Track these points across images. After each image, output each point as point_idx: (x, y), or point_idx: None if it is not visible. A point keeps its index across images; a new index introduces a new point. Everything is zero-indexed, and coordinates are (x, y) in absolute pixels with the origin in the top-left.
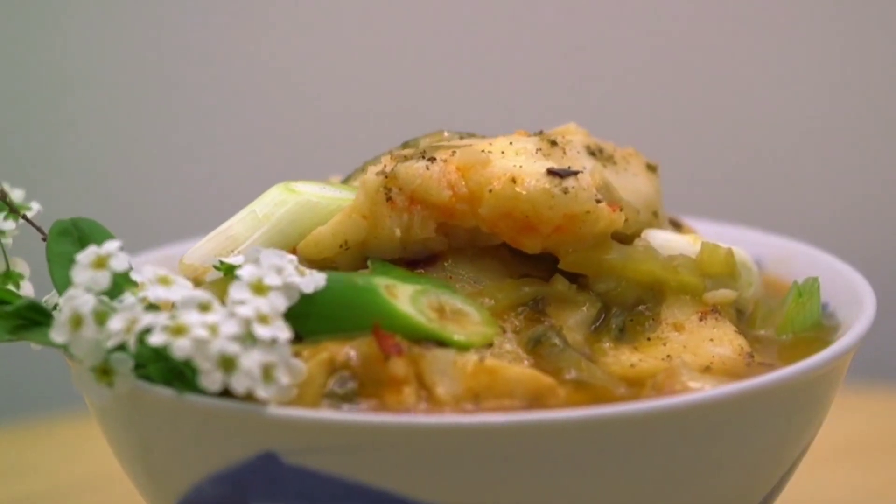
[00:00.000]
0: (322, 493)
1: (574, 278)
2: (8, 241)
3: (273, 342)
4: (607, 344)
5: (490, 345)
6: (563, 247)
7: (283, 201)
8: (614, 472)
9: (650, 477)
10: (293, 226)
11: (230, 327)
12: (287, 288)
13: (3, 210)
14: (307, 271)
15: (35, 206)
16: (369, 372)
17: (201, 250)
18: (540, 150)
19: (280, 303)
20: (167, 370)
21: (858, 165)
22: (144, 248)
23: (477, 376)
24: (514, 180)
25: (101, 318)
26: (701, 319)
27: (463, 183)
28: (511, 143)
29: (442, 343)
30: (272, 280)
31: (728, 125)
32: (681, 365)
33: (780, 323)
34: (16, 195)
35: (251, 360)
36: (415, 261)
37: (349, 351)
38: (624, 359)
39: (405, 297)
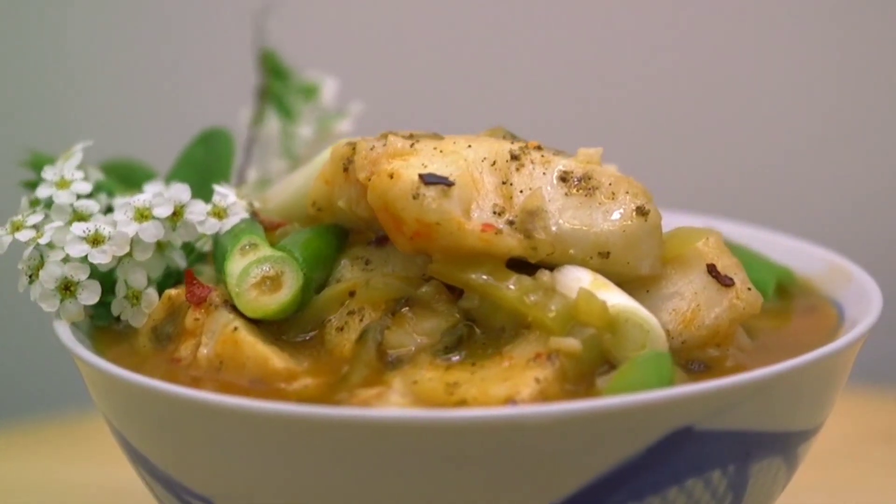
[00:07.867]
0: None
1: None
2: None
3: (83, 260)
4: (438, 359)
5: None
6: (431, 254)
7: (323, 153)
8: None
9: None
10: (312, 178)
11: (45, 238)
12: (185, 224)
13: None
14: (237, 215)
15: (343, 126)
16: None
17: (276, 188)
18: (489, 160)
19: (150, 233)
20: None
21: (861, 164)
22: None
23: (225, 344)
24: (391, 176)
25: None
26: (530, 360)
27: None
28: (469, 145)
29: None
30: (161, 211)
31: (731, 125)
32: (393, 390)
33: (607, 386)
34: (329, 88)
35: (47, 273)
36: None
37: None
38: (416, 374)
39: (250, 258)
